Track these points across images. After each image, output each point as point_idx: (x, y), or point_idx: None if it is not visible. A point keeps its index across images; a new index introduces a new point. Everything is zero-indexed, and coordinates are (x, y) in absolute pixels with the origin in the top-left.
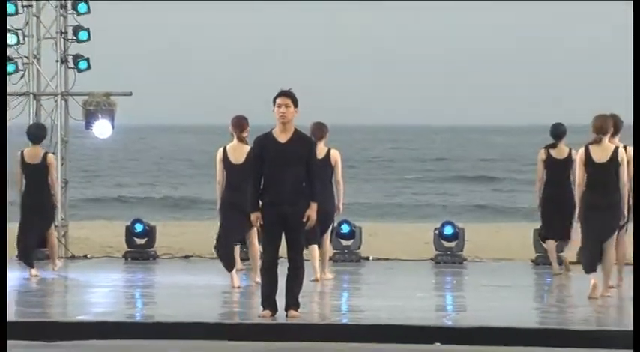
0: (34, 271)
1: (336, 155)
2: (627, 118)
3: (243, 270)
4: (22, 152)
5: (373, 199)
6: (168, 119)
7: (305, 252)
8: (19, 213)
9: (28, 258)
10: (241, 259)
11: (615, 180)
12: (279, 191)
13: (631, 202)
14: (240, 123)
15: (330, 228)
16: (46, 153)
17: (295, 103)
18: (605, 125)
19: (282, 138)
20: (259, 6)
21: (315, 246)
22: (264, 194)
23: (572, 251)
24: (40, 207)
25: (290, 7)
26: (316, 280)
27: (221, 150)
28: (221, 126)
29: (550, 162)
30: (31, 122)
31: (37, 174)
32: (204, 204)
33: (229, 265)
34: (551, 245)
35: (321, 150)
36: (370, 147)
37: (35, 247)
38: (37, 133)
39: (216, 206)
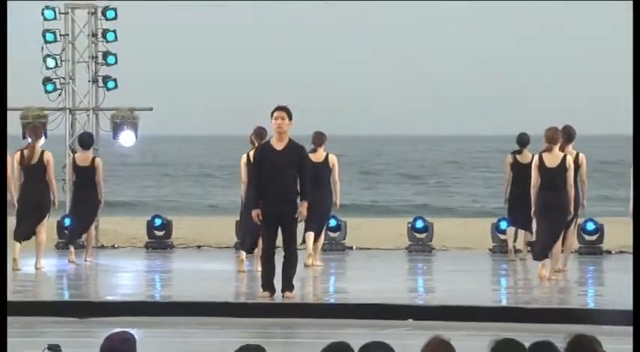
0: (73, 252)
1: (333, 159)
2: (627, 124)
3: (247, 257)
4: (74, 156)
5: (356, 198)
6: (184, 130)
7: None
8: (63, 208)
9: (73, 242)
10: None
11: (564, 183)
12: (275, 192)
13: (581, 200)
14: (260, 133)
15: (326, 221)
16: (94, 158)
17: (290, 116)
18: (556, 136)
19: (279, 146)
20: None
21: (312, 234)
22: (264, 194)
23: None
24: (88, 202)
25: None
26: (309, 256)
27: (245, 155)
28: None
29: (516, 166)
30: (69, 133)
31: (87, 175)
32: (212, 204)
33: (245, 247)
34: (510, 232)
35: (320, 155)
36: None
37: (80, 235)
38: (87, 141)
39: (241, 201)
